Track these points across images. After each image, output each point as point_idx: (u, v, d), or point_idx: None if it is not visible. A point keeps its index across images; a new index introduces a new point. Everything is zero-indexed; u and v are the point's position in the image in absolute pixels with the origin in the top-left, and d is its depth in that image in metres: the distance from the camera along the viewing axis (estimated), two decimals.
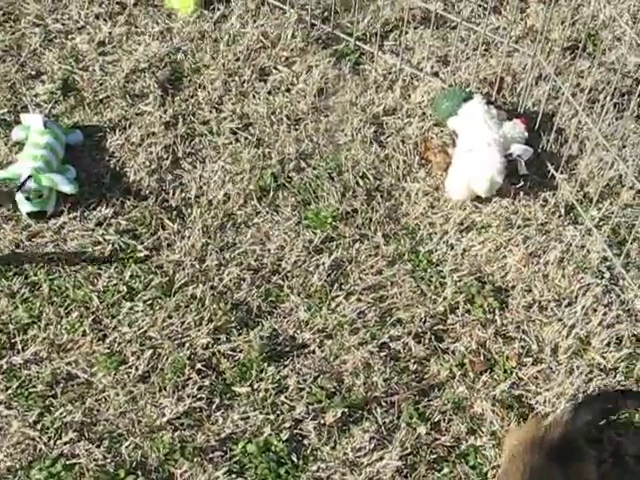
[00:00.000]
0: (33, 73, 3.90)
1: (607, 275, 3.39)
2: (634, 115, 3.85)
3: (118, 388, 3.01)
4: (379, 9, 4.10)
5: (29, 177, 3.38)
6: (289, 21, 4.13)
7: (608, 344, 3.20)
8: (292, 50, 4.06)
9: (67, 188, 3.43)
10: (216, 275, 3.30)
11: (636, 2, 4.27)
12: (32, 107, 3.71)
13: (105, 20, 4.13)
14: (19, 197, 3.42)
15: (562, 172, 3.64)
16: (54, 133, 3.57)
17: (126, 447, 2.89)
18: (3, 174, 3.45)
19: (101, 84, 3.89)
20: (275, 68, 4.01)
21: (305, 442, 2.94)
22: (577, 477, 2.68)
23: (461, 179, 3.54)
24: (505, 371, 3.13)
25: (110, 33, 4.08)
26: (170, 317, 3.18)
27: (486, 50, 4.08)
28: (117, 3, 4.19)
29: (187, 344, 3.11)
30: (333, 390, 3.05)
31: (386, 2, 4.18)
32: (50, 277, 3.26)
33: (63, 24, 4.11)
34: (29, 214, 3.42)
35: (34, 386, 3.00)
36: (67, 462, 2.84)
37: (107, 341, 3.11)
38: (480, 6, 4.27)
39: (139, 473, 2.84)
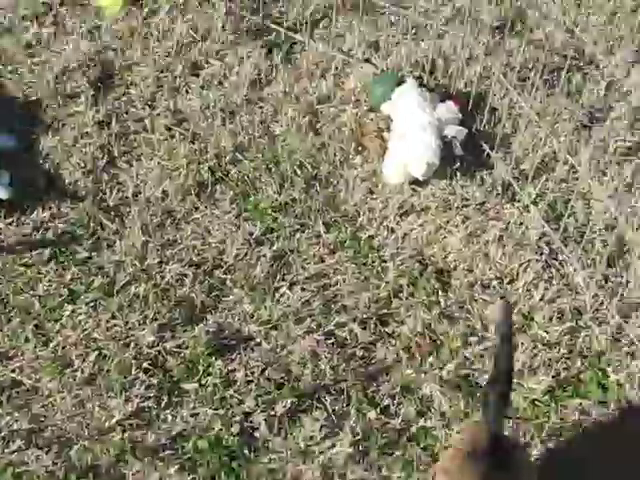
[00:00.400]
0: None
1: (546, 251, 3.42)
2: (564, 91, 3.89)
3: (64, 392, 2.97)
4: None
5: None
6: (218, 14, 4.11)
7: (550, 319, 3.24)
8: (223, 43, 4.04)
9: (1, 193, 3.38)
10: (158, 273, 3.28)
11: None
12: None
13: (31, 21, 4.08)
14: None
15: (497, 151, 3.67)
16: None
17: (76, 451, 2.85)
18: None
19: (31, 86, 3.83)
20: (207, 62, 3.99)
21: (256, 435, 2.93)
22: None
23: (398, 163, 3.55)
24: (451, 352, 3.15)
25: (37, 34, 4.02)
26: (114, 317, 3.15)
27: (416, 34, 4.09)
28: (43, 3, 4.13)
29: (132, 344, 3.09)
30: (281, 381, 3.05)
31: None
32: None
33: None
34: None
35: None
36: (16, 470, 2.80)
37: (51, 346, 3.07)
38: None
39: (90, 476, 2.81)
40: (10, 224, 3.38)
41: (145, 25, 4.09)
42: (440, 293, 3.29)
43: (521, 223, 3.49)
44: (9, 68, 3.90)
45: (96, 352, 3.06)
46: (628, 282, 3.33)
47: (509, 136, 3.73)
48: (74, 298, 3.20)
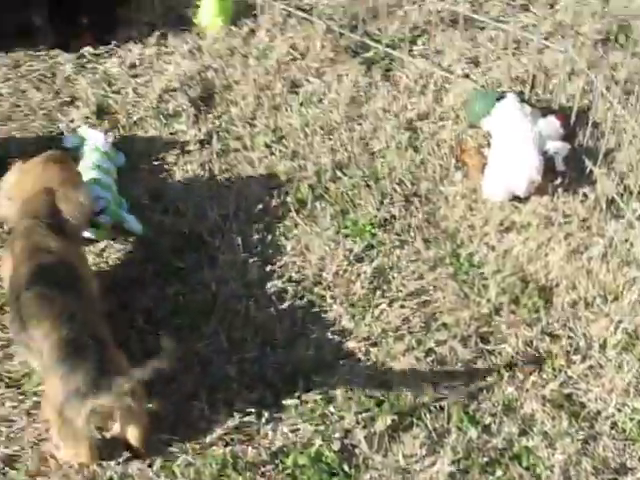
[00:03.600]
0: (68, 99, 3.97)
1: None
2: None
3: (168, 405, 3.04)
4: (406, 14, 4.13)
5: (102, 210, 3.41)
6: (317, 32, 4.17)
7: None
8: (322, 61, 4.10)
9: (136, 228, 3.47)
10: (258, 289, 3.34)
11: None
12: (67, 132, 3.79)
13: (135, 42, 4.20)
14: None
15: (600, 166, 3.63)
16: (110, 155, 3.65)
17: (178, 465, 2.92)
18: None
19: (134, 106, 3.95)
20: (306, 80, 4.05)
21: (356, 451, 2.95)
22: None
23: (499, 180, 3.55)
24: (554, 370, 3.13)
25: (140, 55, 4.14)
26: (216, 333, 3.21)
27: (516, 49, 4.09)
28: (145, 24, 4.24)
29: (234, 358, 3.15)
30: (381, 398, 3.06)
31: (413, 7, 4.20)
32: None
33: (94, 49, 4.17)
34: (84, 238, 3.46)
35: None
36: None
37: None
38: (508, 5, 4.28)
39: None
40: (113, 240, 3.48)
41: (245, 44, 4.17)
42: (542, 310, 3.28)
43: (626, 240, 3.45)
44: (113, 88, 4.02)
45: (199, 366, 3.13)
46: None
47: (613, 151, 3.70)
48: (177, 312, 3.27)
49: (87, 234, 3.42)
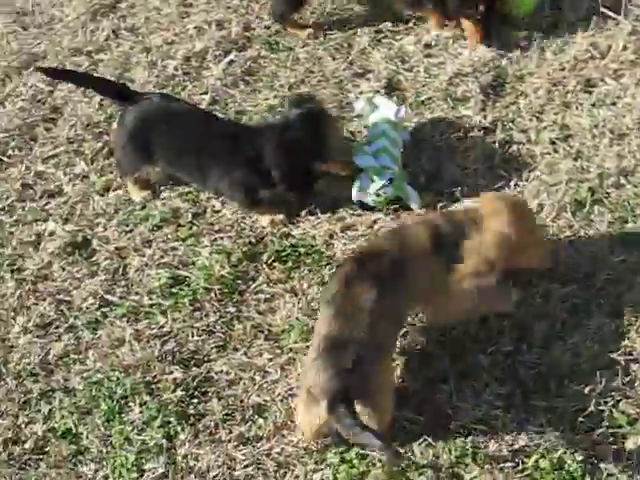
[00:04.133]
0: (360, 71, 4.05)
1: None
2: None
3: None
4: None
5: (390, 181, 3.50)
6: (622, 32, 4.03)
7: None
8: (622, 62, 3.96)
9: (414, 205, 3.53)
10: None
11: None
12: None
13: (445, 24, 4.20)
14: (369, 188, 3.53)
15: None
16: (400, 128, 3.70)
17: (418, 444, 2.94)
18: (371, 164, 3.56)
19: (424, 85, 3.97)
20: (602, 80, 3.92)
21: (601, 466, 2.86)
22: None
23: None
24: None
25: (437, 36, 4.16)
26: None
27: None
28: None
29: (489, 349, 3.13)
30: (635, 416, 2.96)
31: None
32: None
33: (393, 24, 4.23)
34: (360, 202, 3.57)
35: None
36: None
37: None
38: None
39: (429, 473, 2.89)
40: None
41: (544, 37, 4.08)
42: None
43: None
44: (405, 66, 4.06)
45: (452, 350, 3.13)
46: None
47: None
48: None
49: (367, 200, 3.51)
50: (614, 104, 3.83)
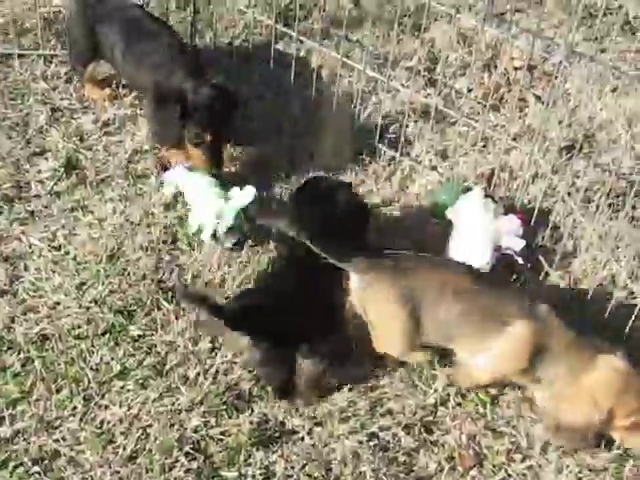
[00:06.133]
0: (38, 150, 3.98)
1: None
2: (628, 217, 3.91)
3: (105, 467, 3.00)
4: (381, 102, 4.19)
5: (219, 217, 3.59)
6: None
7: (598, 445, 3.21)
8: None
9: (249, 196, 3.65)
10: (208, 357, 3.33)
11: (632, 107, 4.37)
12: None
13: (111, 101, 4.22)
14: (221, 236, 3.63)
15: (557, 269, 3.69)
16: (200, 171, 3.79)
17: None
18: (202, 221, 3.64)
19: (104, 163, 3.96)
20: None
21: None
22: None
23: None
24: (494, 466, 3.14)
25: (115, 115, 4.16)
26: (161, 397, 3.19)
27: (484, 146, 4.17)
28: (124, 86, 4.27)
29: (177, 426, 3.12)
30: (321, 478, 3.05)
31: (387, 95, 4.27)
32: (43, 353, 3.29)
33: (70, 103, 4.20)
34: (233, 246, 3.67)
35: (20, 461, 3.00)
36: None
37: (97, 419, 3.12)
38: (479, 103, 4.37)
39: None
40: (67, 295, 3.46)
41: None
42: (488, 406, 3.29)
43: None
44: (84, 144, 4.03)
45: (140, 431, 3.10)
46: None
47: (569, 255, 3.76)
48: (125, 375, 3.25)
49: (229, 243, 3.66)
50: None
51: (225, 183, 3.80)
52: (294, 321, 3.05)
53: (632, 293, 3.62)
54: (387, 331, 3.24)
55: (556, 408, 3.12)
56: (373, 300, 3.20)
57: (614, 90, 4.47)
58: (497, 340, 3.10)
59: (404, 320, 3.15)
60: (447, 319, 3.13)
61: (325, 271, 3.21)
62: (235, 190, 3.75)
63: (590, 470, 3.15)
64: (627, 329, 3.43)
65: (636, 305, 3.53)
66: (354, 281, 3.21)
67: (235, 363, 3.31)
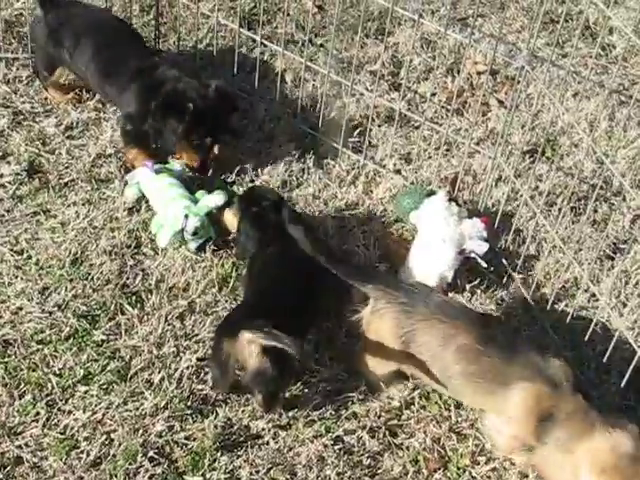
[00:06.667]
0: (0, 154, 3.94)
1: None
2: (590, 220, 3.95)
3: (68, 473, 2.99)
4: (345, 106, 4.20)
5: (185, 217, 3.57)
6: None
7: None
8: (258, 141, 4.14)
9: (219, 200, 3.70)
10: (172, 362, 3.31)
11: (593, 111, 4.41)
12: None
13: (74, 105, 4.19)
14: (188, 238, 3.62)
15: (519, 272, 3.71)
16: (167, 172, 3.81)
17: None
18: (161, 222, 3.66)
19: (67, 167, 3.93)
20: None
21: None
22: None
23: (413, 272, 3.60)
24: (459, 469, 3.15)
25: (78, 119, 4.14)
26: (125, 403, 3.18)
27: (448, 150, 4.18)
28: (87, 90, 4.25)
29: (141, 431, 3.11)
30: None
31: (351, 99, 4.28)
32: (5, 359, 3.26)
33: (32, 107, 4.16)
34: (198, 249, 3.65)
35: None
36: None
37: (60, 425, 3.10)
38: (443, 107, 4.39)
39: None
40: (30, 300, 3.44)
41: None
42: (452, 409, 3.30)
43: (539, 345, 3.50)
44: (47, 148, 4.00)
45: (104, 436, 3.08)
46: None
47: (532, 258, 3.78)
48: (88, 379, 3.23)
49: (194, 245, 3.66)
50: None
51: (189, 185, 3.80)
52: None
53: (594, 295, 3.65)
54: (374, 358, 3.23)
55: (542, 469, 3.07)
56: (374, 329, 3.18)
57: (575, 95, 4.51)
58: (500, 405, 3.02)
59: (392, 356, 3.15)
60: (449, 374, 3.07)
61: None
62: (202, 193, 3.75)
63: None
64: (589, 332, 3.45)
65: (597, 307, 3.57)
66: (369, 303, 3.18)
67: (200, 368, 3.30)
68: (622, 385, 3.29)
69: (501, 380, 2.97)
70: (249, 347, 2.99)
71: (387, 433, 3.22)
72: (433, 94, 4.44)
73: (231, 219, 3.64)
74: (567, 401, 2.93)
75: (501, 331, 3.14)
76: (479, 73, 4.55)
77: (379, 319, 3.13)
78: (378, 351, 3.18)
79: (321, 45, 4.60)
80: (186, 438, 3.11)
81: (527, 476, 3.13)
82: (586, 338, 3.47)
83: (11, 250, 3.59)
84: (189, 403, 3.20)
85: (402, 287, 3.18)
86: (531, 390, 2.94)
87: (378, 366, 3.24)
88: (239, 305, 3.36)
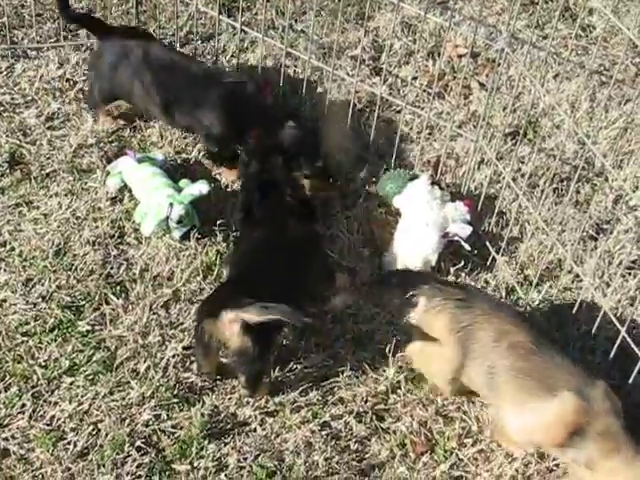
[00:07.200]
0: None
1: None
2: (573, 201, 3.95)
3: (56, 465, 2.98)
4: (326, 92, 4.18)
5: (170, 205, 3.55)
6: None
7: None
8: None
9: (203, 188, 3.68)
10: (158, 351, 3.31)
11: (574, 92, 4.41)
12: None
13: (54, 95, 4.17)
14: (172, 226, 3.60)
15: (503, 254, 3.71)
16: (150, 160, 3.80)
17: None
18: (145, 211, 3.66)
19: (48, 158, 3.91)
20: None
21: None
22: None
23: (398, 255, 3.60)
24: (446, 451, 3.16)
25: (59, 109, 4.11)
26: (112, 393, 3.17)
27: (430, 134, 4.17)
28: (67, 80, 4.22)
29: (128, 420, 3.11)
30: (274, 469, 3.05)
31: (333, 85, 4.26)
32: None
33: (12, 98, 4.13)
34: (182, 237, 3.64)
35: None
36: None
37: (46, 416, 3.09)
38: (424, 91, 4.37)
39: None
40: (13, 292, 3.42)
41: None
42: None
43: None
44: (28, 139, 3.97)
45: (91, 426, 3.08)
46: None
47: (516, 240, 3.78)
48: (74, 370, 3.22)
49: (178, 234, 3.66)
50: None
51: (171, 174, 3.78)
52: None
53: (577, 276, 3.65)
54: (431, 358, 3.21)
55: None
56: (429, 325, 3.16)
57: (556, 76, 4.51)
58: (539, 407, 2.98)
59: (450, 354, 3.11)
60: (495, 370, 3.04)
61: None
62: (185, 181, 3.74)
63: (540, 457, 3.17)
64: (573, 312, 3.46)
65: (581, 288, 3.58)
66: (420, 302, 3.16)
67: (186, 357, 3.29)
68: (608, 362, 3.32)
69: (548, 383, 2.95)
70: (230, 327, 2.99)
71: (374, 417, 3.22)
72: (414, 78, 4.43)
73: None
74: (601, 421, 2.90)
75: (552, 337, 3.11)
76: (460, 56, 4.54)
77: (434, 316, 3.13)
78: (436, 352, 3.17)
79: (301, 31, 4.57)
80: (173, 427, 3.11)
81: (514, 457, 3.14)
82: (571, 319, 3.47)
83: None
84: (175, 392, 3.20)
85: (458, 285, 3.20)
86: (574, 403, 2.91)
87: (439, 373, 3.24)
88: (220, 285, 3.35)
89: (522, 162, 4.08)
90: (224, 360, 3.17)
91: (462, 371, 3.13)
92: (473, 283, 3.62)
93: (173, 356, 3.29)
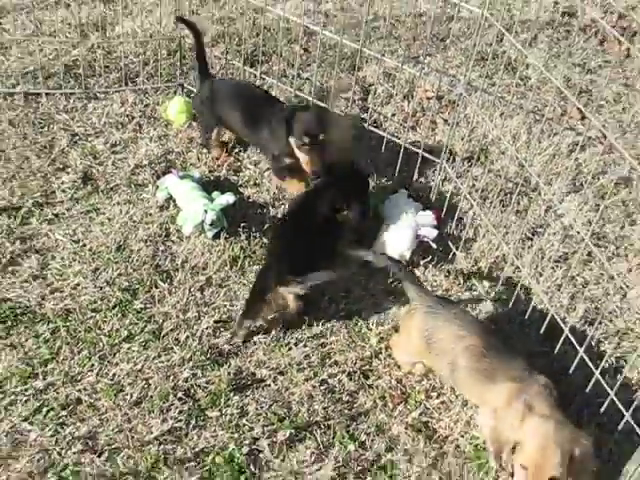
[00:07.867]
0: (61, 166, 3.88)
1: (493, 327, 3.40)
2: (514, 210, 3.91)
3: (117, 410, 2.95)
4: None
5: (205, 212, 3.52)
6: None
7: None
8: None
9: (230, 199, 3.63)
10: (195, 324, 3.27)
11: (515, 127, 4.37)
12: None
13: (117, 127, 4.13)
14: (206, 228, 3.56)
15: (461, 251, 3.68)
16: (189, 177, 3.74)
17: (121, 457, 2.82)
18: (185, 216, 3.61)
19: (112, 175, 3.88)
20: None
21: (261, 455, 2.90)
22: None
23: (381, 250, 3.57)
24: (416, 402, 3.12)
25: (121, 137, 4.08)
26: (159, 356, 3.14)
27: (405, 157, 4.12)
28: (127, 116, 4.19)
29: (171, 377, 3.07)
30: (283, 415, 3.02)
31: None
32: (67, 323, 3.21)
33: (85, 130, 4.10)
34: (214, 236, 3.59)
35: (51, 407, 2.94)
36: (75, 469, 2.77)
37: (109, 374, 3.06)
38: (401, 125, 4.34)
39: (131, 479, 2.77)
40: (85, 277, 3.38)
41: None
42: None
43: (475, 308, 3.48)
44: (97, 161, 3.94)
45: (144, 382, 3.05)
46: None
47: (471, 240, 3.75)
48: (130, 339, 3.19)
49: (211, 234, 3.61)
50: None
51: (206, 188, 3.75)
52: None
53: (518, 268, 3.62)
54: (402, 344, 3.18)
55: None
56: (406, 322, 3.13)
57: (502, 114, 4.46)
58: (487, 398, 2.86)
59: (416, 347, 3.05)
60: (455, 367, 2.92)
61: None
62: (217, 193, 3.71)
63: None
64: (514, 296, 3.43)
65: (520, 277, 3.55)
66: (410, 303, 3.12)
67: (217, 329, 3.26)
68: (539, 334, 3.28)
69: (493, 378, 2.83)
70: (288, 296, 3.17)
71: (361, 376, 3.19)
72: (393, 115, 4.39)
73: None
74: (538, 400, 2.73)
75: (502, 341, 2.96)
76: (428, 98, 4.50)
77: (410, 315, 3.09)
78: (406, 342, 3.13)
79: (307, 78, 4.54)
80: (206, 382, 3.08)
81: (469, 406, 3.11)
82: (512, 301, 3.44)
83: (70, 240, 3.54)
84: (208, 355, 3.17)
85: (433, 296, 3.12)
86: (511, 387, 2.78)
87: (404, 357, 3.18)
88: (271, 263, 3.33)
89: (476, 180, 4.04)
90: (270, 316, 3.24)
91: (424, 360, 3.10)
92: (438, 273, 3.59)
93: (206, 328, 3.25)
